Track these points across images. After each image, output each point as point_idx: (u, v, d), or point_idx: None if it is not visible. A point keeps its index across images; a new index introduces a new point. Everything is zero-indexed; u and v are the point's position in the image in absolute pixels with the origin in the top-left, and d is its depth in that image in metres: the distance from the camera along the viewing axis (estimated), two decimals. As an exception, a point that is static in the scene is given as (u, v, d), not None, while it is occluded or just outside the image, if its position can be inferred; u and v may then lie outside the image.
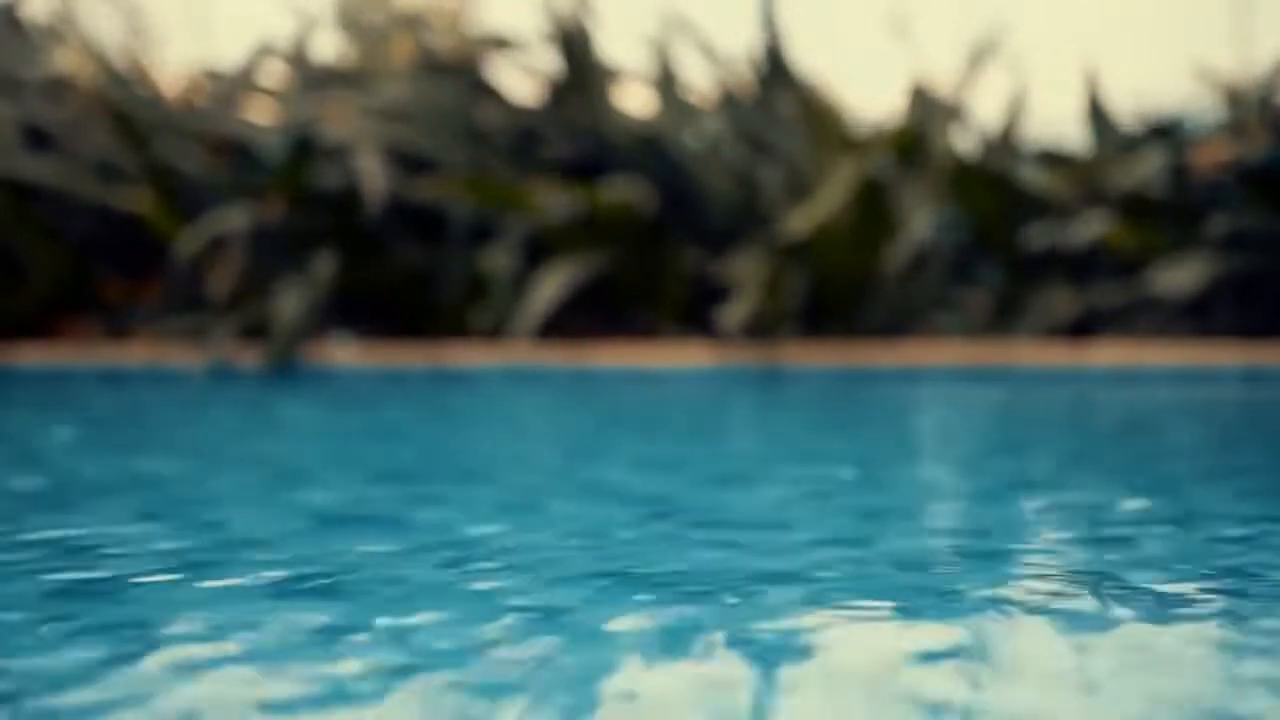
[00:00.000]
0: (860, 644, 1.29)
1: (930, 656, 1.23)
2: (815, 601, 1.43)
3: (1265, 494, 2.25)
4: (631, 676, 1.18)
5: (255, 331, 5.13)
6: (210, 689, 1.13)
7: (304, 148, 5.46)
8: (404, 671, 1.18)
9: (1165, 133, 5.80)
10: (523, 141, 5.76)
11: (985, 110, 5.81)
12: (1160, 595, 1.46)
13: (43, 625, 1.33)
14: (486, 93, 5.86)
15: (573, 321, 5.41)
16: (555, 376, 4.97)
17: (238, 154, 5.67)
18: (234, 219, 5.33)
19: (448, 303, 5.45)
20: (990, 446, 3.17)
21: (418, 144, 5.56)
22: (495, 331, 5.25)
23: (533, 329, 5.04)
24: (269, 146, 5.55)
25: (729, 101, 5.80)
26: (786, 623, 1.35)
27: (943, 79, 5.70)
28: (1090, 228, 5.30)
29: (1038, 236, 5.42)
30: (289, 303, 5.06)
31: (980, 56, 5.67)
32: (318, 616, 1.36)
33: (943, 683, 1.15)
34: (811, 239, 5.24)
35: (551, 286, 5.11)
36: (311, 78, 5.87)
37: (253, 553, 1.69)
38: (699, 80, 5.92)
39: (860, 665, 1.21)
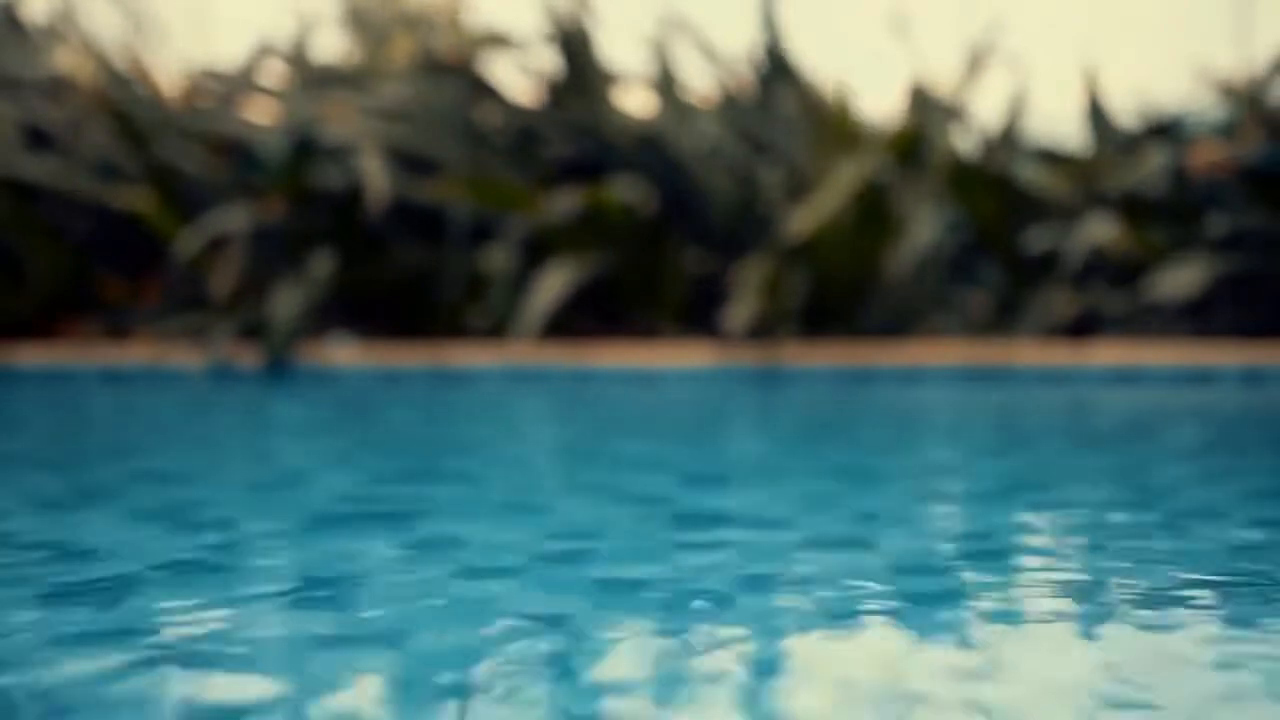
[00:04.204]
0: (859, 647, 1.29)
1: (929, 659, 1.23)
2: (813, 603, 1.43)
3: (1266, 495, 2.25)
4: (630, 678, 1.18)
5: (254, 331, 5.13)
6: (210, 689, 1.13)
7: (304, 148, 5.45)
8: (403, 671, 1.18)
9: (1165, 132, 5.80)
10: (523, 141, 5.76)
11: (985, 110, 5.81)
12: (1161, 596, 1.46)
13: (42, 626, 1.33)
14: (486, 93, 5.86)
15: (573, 321, 5.40)
16: (555, 377, 4.96)
17: (238, 154, 5.67)
18: (234, 219, 5.32)
19: (448, 303, 5.45)
20: (991, 447, 3.16)
21: (418, 144, 5.55)
22: (495, 331, 5.25)
23: (535, 329, 5.04)
24: (269, 146, 5.55)
25: (729, 101, 5.80)
26: (782, 625, 1.35)
27: (943, 79, 5.70)
28: (1092, 233, 5.30)
29: (1038, 240, 5.42)
30: (286, 302, 5.06)
31: (980, 56, 5.66)
32: (318, 616, 1.36)
33: (943, 686, 1.15)
34: (812, 239, 5.23)
35: (553, 286, 5.11)
36: (311, 78, 5.86)
37: (252, 552, 1.69)
38: (699, 80, 5.91)
39: (859, 668, 1.21)
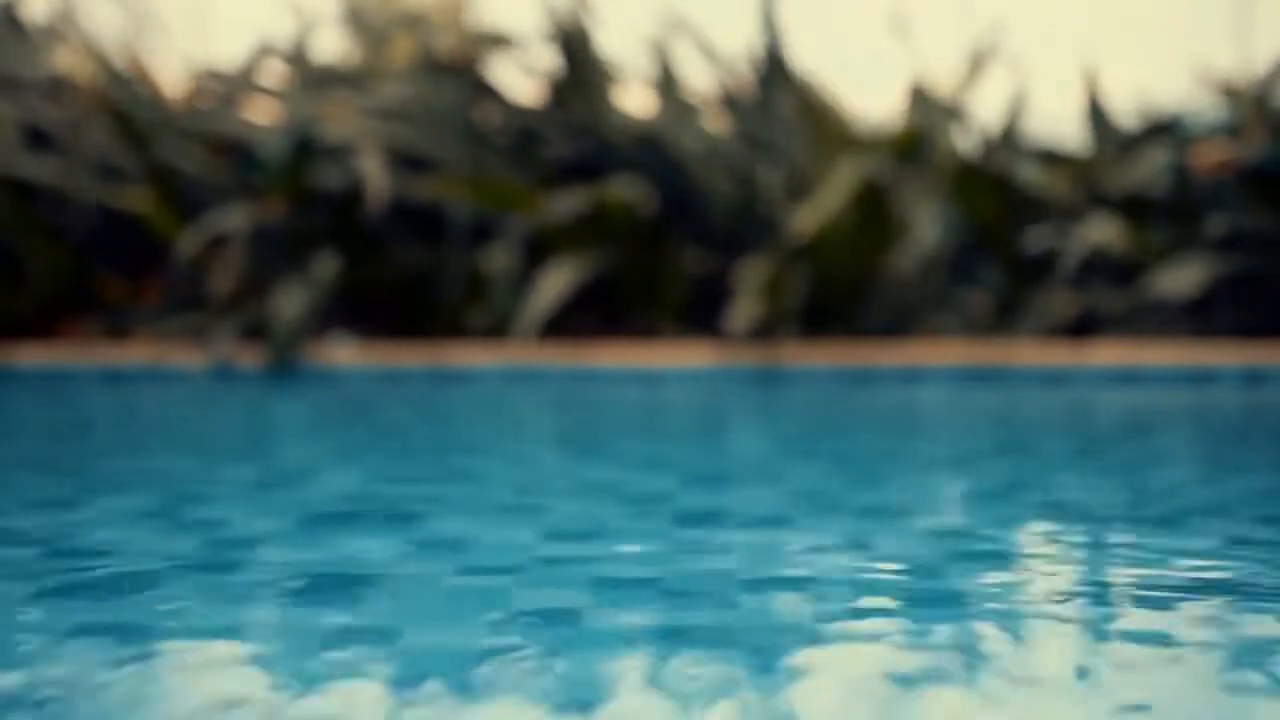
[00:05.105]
0: (860, 647, 1.29)
1: (928, 658, 1.23)
2: (814, 604, 1.43)
3: (1266, 495, 2.25)
4: (630, 679, 1.18)
5: (256, 332, 5.13)
6: (210, 689, 1.13)
7: (304, 148, 5.45)
8: (405, 670, 1.18)
9: (1165, 132, 5.80)
10: (523, 141, 5.76)
11: (985, 110, 5.81)
12: (1160, 597, 1.46)
13: (43, 625, 1.33)
14: (487, 93, 5.86)
15: (573, 321, 5.40)
16: (555, 376, 4.96)
17: (238, 154, 5.67)
18: (234, 219, 5.32)
19: (448, 303, 5.45)
20: (991, 447, 3.16)
21: (418, 144, 5.55)
22: (495, 331, 5.25)
23: (535, 329, 5.04)
24: (269, 146, 5.55)
25: (729, 101, 5.80)
26: (783, 626, 1.35)
27: (943, 79, 5.70)
28: (1092, 233, 5.30)
29: (1039, 239, 5.42)
30: (289, 303, 5.05)
31: (980, 56, 5.66)
32: (319, 616, 1.36)
33: (942, 686, 1.15)
34: (812, 239, 5.23)
35: (553, 286, 5.11)
36: (311, 78, 5.86)
37: (253, 551, 1.69)
38: (699, 80, 5.90)
39: (860, 668, 1.21)
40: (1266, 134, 5.58)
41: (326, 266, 5.25)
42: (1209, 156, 5.62)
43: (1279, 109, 5.68)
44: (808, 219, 5.19)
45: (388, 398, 4.45)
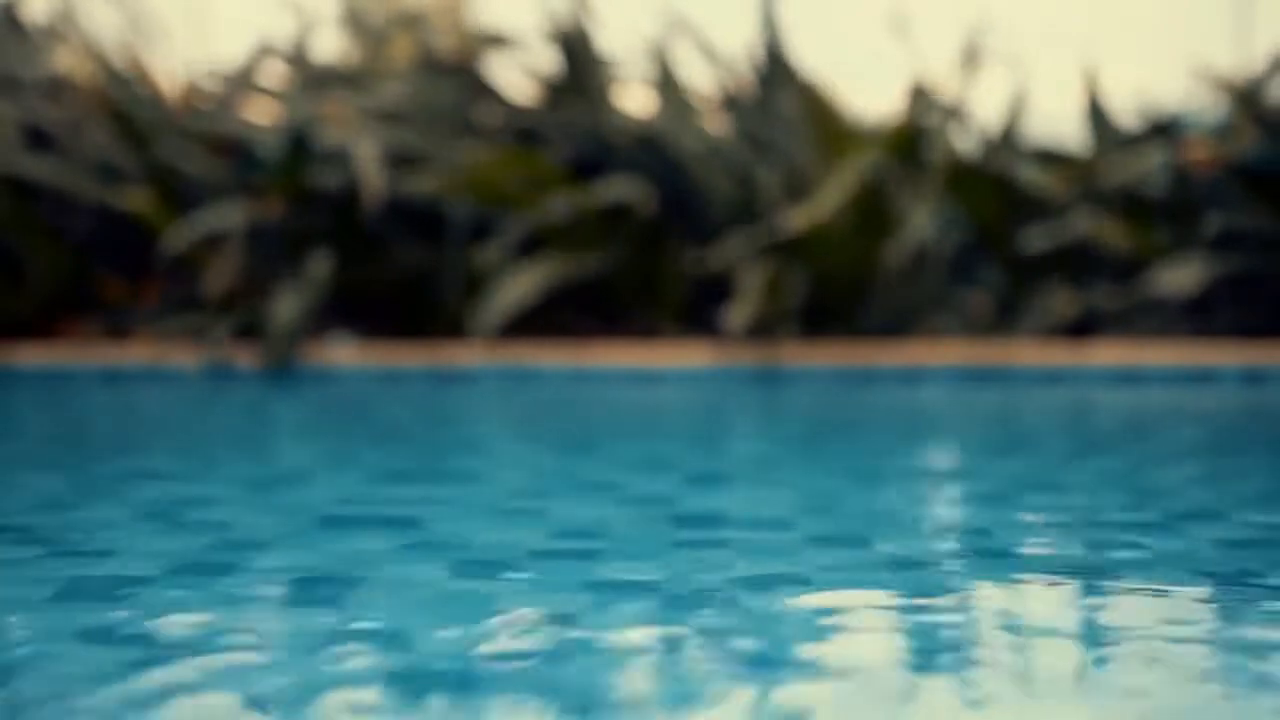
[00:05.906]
0: (859, 647, 1.29)
1: (927, 659, 1.23)
2: (813, 602, 1.43)
3: (1266, 496, 2.25)
4: (630, 678, 1.18)
5: (255, 331, 5.13)
6: (209, 690, 1.14)
7: (303, 147, 5.45)
8: (403, 672, 1.18)
9: (1164, 132, 5.80)
10: (522, 141, 5.75)
11: (985, 110, 5.81)
12: (1159, 597, 1.46)
13: (44, 624, 1.33)
14: (486, 93, 5.86)
15: (572, 321, 5.41)
16: (555, 377, 4.97)
17: (238, 154, 5.67)
18: (230, 217, 5.32)
19: (447, 302, 5.45)
20: (991, 447, 3.16)
21: (417, 144, 5.55)
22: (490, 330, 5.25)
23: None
24: (269, 146, 5.55)
25: (729, 101, 5.80)
26: (783, 624, 1.35)
27: (943, 79, 5.70)
28: (1083, 223, 5.30)
29: (1038, 237, 5.41)
30: (288, 303, 5.05)
31: (980, 56, 5.66)
32: (317, 616, 1.36)
33: (942, 684, 1.15)
34: (811, 238, 5.23)
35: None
36: (311, 78, 5.86)
37: (253, 552, 1.69)
38: (699, 80, 5.90)
39: (859, 666, 1.21)
40: (1259, 131, 5.58)
41: (325, 266, 5.25)
42: (1200, 155, 5.61)
43: (1273, 107, 5.68)
44: (800, 216, 5.19)
45: (387, 398, 4.45)
